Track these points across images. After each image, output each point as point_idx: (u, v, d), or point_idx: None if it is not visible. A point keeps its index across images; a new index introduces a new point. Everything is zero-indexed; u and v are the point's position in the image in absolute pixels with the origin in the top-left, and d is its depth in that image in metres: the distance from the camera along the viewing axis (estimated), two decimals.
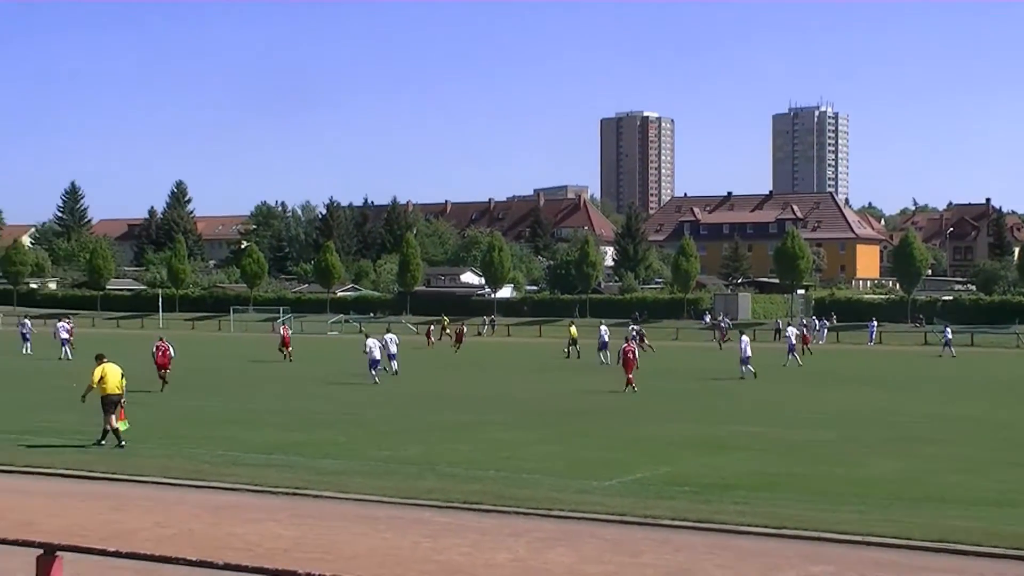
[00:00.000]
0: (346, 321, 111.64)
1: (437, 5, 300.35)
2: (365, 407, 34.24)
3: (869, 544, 15.30)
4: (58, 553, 10.07)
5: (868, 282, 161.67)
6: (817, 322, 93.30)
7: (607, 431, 28.09)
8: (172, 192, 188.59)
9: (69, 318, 65.24)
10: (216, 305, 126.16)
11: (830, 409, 34.67)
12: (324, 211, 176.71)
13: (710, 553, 14.97)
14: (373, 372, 43.81)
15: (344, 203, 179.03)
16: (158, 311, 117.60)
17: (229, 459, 22.43)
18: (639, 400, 36.94)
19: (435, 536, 15.75)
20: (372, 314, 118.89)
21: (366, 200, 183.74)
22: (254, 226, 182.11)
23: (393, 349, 48.19)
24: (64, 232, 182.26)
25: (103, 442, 24.37)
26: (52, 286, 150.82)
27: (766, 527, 16.26)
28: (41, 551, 10.11)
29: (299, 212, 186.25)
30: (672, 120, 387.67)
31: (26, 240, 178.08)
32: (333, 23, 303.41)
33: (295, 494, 18.85)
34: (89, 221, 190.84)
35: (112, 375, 24.87)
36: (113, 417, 24.38)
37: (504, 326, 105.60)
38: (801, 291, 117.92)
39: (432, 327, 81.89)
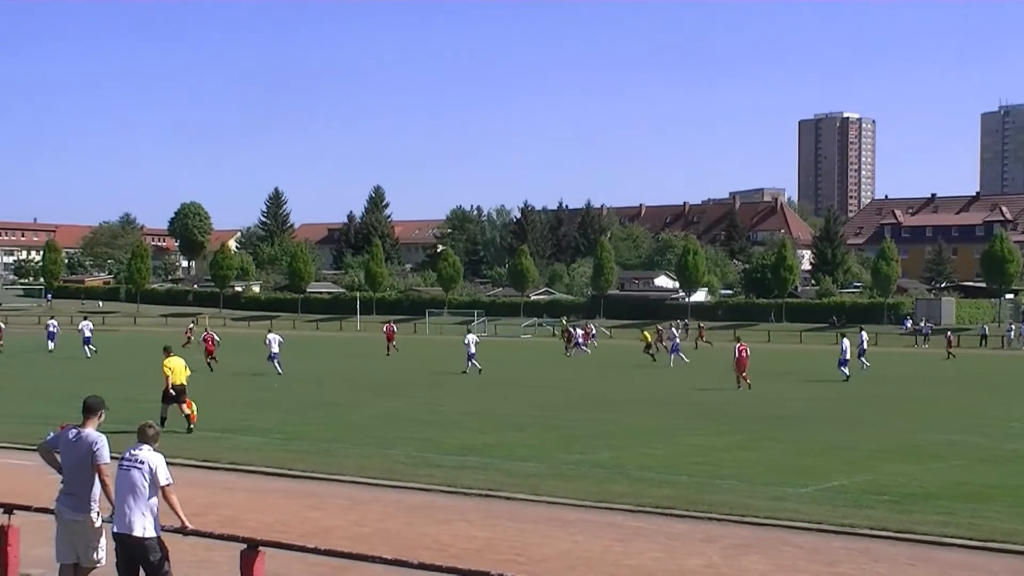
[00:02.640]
0: (539, 325, 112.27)
1: (632, 7, 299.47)
2: (557, 409, 34.35)
3: None
4: (261, 548, 10.40)
5: None
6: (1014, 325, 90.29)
7: (801, 437, 27.56)
8: (370, 197, 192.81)
9: (87, 317, 70.13)
10: (412, 308, 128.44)
11: None
12: (519, 215, 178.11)
13: (911, 564, 14.54)
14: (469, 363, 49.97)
15: (538, 207, 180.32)
16: (356, 314, 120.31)
17: (423, 460, 22.76)
18: (833, 406, 36.15)
19: (626, 540, 15.69)
20: (565, 317, 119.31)
21: (560, 204, 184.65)
22: (450, 230, 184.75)
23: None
24: (267, 237, 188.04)
25: (172, 428, 25.66)
26: (256, 289, 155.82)
27: (971, 539, 15.70)
28: (245, 546, 10.46)
29: (494, 216, 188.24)
30: (873, 120, 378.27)
31: (232, 244, 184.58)
32: (538, 23, 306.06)
33: (487, 495, 19.01)
34: (291, 226, 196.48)
35: (177, 368, 27.55)
36: (182, 405, 26.90)
37: (704, 329, 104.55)
38: (1010, 295, 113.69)
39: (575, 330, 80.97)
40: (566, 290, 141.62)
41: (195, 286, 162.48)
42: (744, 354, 43.12)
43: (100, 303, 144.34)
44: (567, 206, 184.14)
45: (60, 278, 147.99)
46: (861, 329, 59.28)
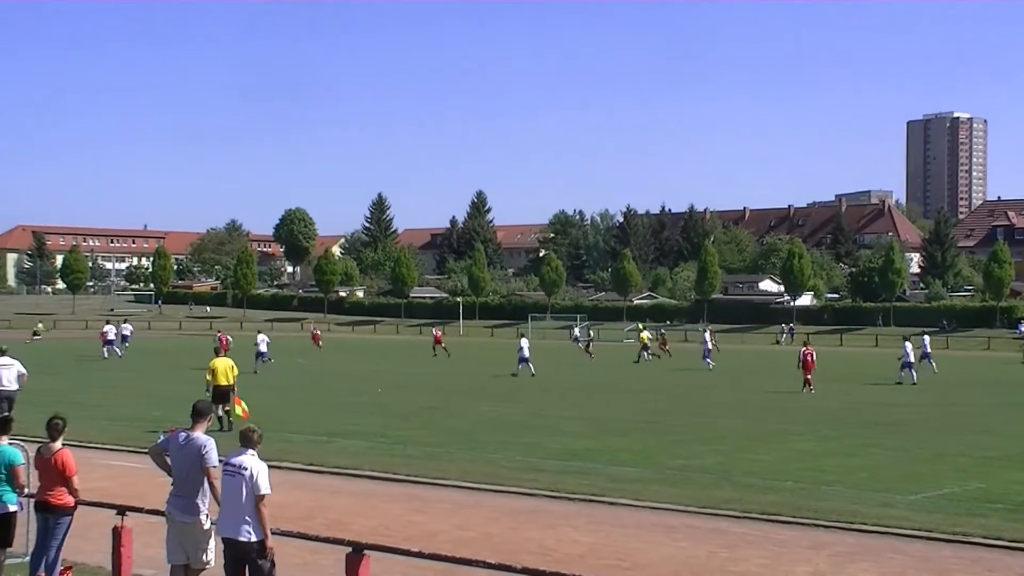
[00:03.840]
0: (642, 329, 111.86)
1: (734, 8, 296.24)
2: (660, 414, 34.20)
3: None
4: (366, 552, 10.50)
5: None
6: None
7: (908, 443, 27.06)
8: (472, 202, 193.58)
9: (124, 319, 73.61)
10: (515, 313, 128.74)
11: None
12: (621, 219, 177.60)
13: None
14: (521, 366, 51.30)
15: (641, 211, 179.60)
16: (459, 318, 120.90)
17: (526, 464, 22.80)
18: (941, 412, 35.51)
19: (732, 547, 15.57)
20: (668, 322, 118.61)
21: (663, 208, 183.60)
22: (552, 235, 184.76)
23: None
24: (371, 242, 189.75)
25: (224, 429, 26.74)
26: (359, 294, 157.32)
27: None
28: (350, 549, 10.57)
29: (597, 220, 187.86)
30: (984, 120, 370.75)
31: (336, 250, 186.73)
32: (644, 24, 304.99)
33: (591, 501, 18.98)
34: (395, 231, 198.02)
35: (222, 368, 28.78)
36: (226, 405, 27.93)
37: (803, 334, 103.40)
38: None
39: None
40: (669, 294, 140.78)
41: (300, 291, 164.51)
42: (810, 358, 44.04)
43: (208, 308, 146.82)
44: (670, 210, 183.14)
45: (169, 284, 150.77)
46: (924, 333, 58.53)
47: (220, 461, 11.13)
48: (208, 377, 28.86)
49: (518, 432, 28.92)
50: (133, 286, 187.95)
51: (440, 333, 76.29)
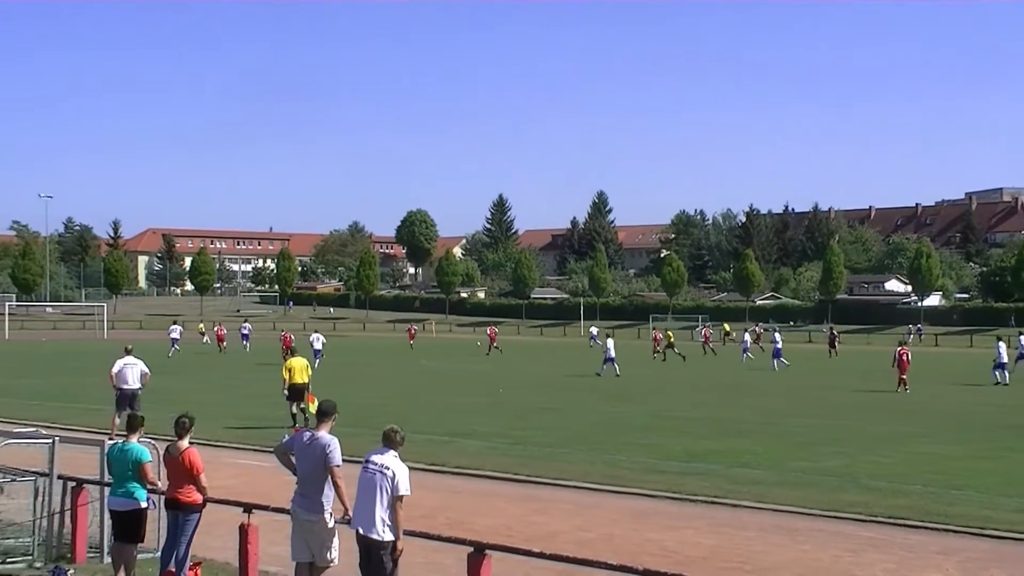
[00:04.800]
0: (765, 330, 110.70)
1: (864, 5, 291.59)
2: (781, 415, 33.80)
3: None
4: (487, 551, 10.56)
5: None
6: None
7: None
8: (594, 203, 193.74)
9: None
10: (636, 313, 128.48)
11: None
12: (744, 219, 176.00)
13: None
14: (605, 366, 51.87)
15: (764, 210, 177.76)
16: (580, 319, 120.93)
17: (647, 466, 22.70)
18: None
19: (857, 551, 15.31)
20: (792, 323, 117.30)
21: (786, 207, 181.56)
22: (673, 235, 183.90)
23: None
24: (492, 243, 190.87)
25: (297, 426, 27.31)
26: (481, 295, 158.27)
27: None
28: (472, 549, 10.64)
29: (719, 220, 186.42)
30: None
31: (457, 251, 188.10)
32: (753, 27, 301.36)
33: (713, 503, 18.84)
34: (515, 232, 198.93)
35: (298, 367, 29.46)
36: (299, 403, 28.68)
37: (931, 335, 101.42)
38: None
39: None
40: (792, 295, 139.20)
41: (422, 292, 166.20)
42: (905, 358, 44.28)
43: (331, 309, 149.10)
44: (793, 209, 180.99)
45: (294, 285, 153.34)
46: (1021, 333, 57.15)
47: (347, 460, 11.26)
48: (285, 376, 29.73)
49: (638, 433, 28.80)
50: (258, 287, 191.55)
51: (495, 332, 77.60)
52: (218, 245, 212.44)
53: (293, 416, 28.95)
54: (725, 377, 52.64)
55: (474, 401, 38.13)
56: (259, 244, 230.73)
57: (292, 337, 60.51)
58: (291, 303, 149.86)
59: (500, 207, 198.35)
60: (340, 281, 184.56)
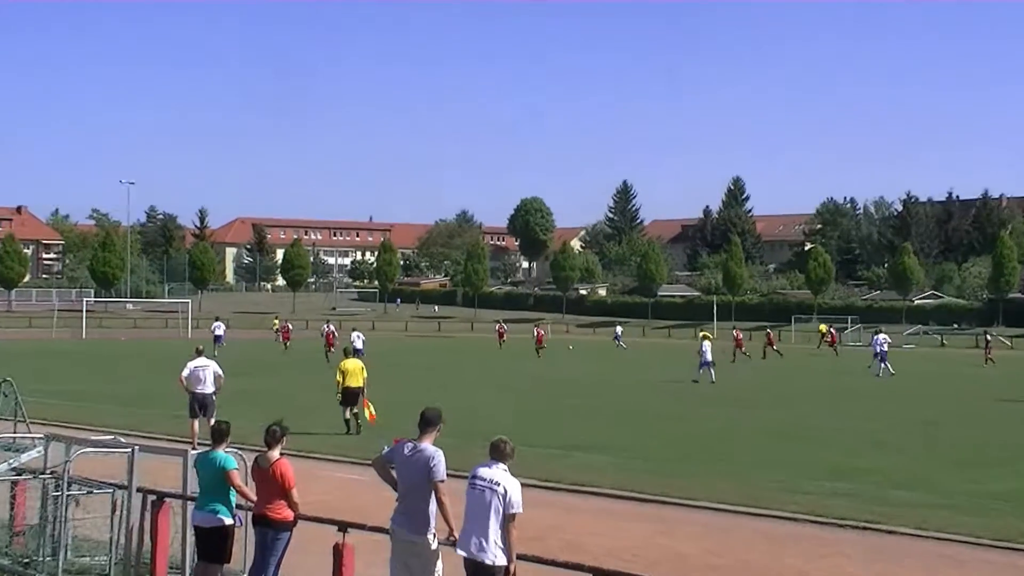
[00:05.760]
0: (925, 333, 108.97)
1: None
2: (940, 426, 33.29)
3: None
4: None
5: None
6: None
7: None
8: (728, 190, 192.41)
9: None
10: (775, 313, 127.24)
11: None
12: (900, 208, 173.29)
13: None
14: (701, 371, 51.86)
15: (923, 198, 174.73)
16: (712, 319, 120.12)
17: (786, 484, 22.45)
18: None
19: None
20: (955, 325, 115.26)
21: (950, 194, 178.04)
22: (819, 225, 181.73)
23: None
24: (615, 235, 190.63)
25: (351, 432, 29.70)
26: (602, 292, 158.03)
27: None
28: (590, 575, 10.62)
29: (871, 209, 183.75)
30: None
31: (576, 244, 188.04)
32: (913, 6, 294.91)
33: (864, 528, 18.59)
34: (641, 222, 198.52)
35: (352, 370, 30.35)
36: (355, 407, 30.02)
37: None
38: None
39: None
40: (956, 293, 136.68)
41: (536, 289, 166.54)
42: None
43: (436, 307, 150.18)
44: (957, 197, 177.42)
45: (396, 280, 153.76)
46: None
47: (450, 474, 11.31)
48: (338, 378, 30.36)
49: (771, 445, 28.59)
50: (356, 283, 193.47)
51: (542, 332, 77.71)
52: (313, 236, 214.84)
53: (346, 422, 30.02)
54: (851, 383, 51.87)
55: (591, 407, 38.09)
56: (357, 235, 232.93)
57: (336, 333, 62.51)
58: (400, 300, 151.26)
59: (624, 195, 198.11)
60: (446, 276, 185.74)
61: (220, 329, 70.85)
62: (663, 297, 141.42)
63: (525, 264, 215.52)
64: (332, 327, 70.79)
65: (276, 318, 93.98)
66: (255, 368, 54.98)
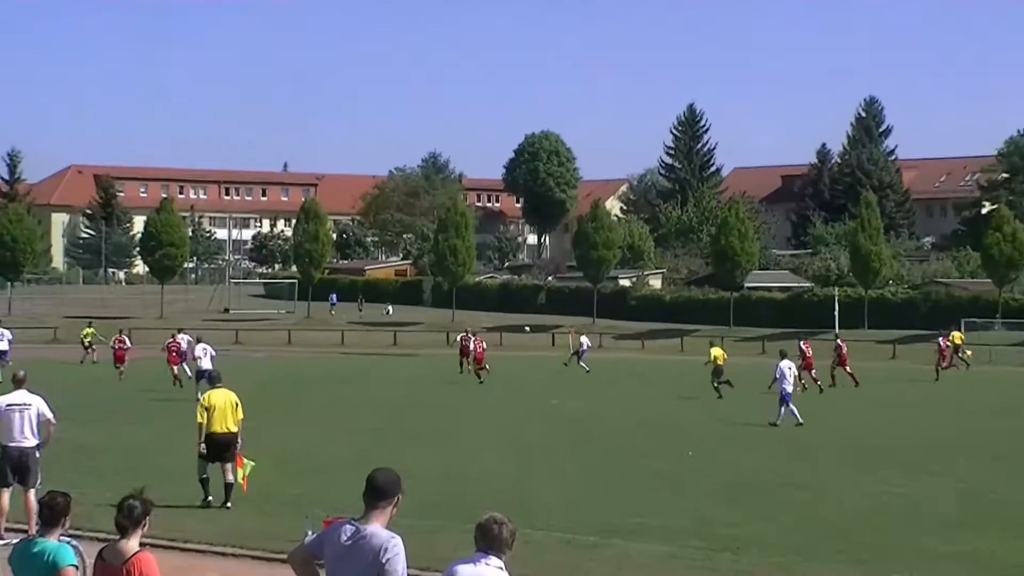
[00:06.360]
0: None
1: None
2: None
3: None
4: None
5: None
6: None
7: None
8: (858, 117, 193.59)
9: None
10: (934, 315, 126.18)
11: None
12: None
13: None
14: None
15: None
16: (832, 324, 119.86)
17: None
18: None
19: None
20: (955, 329, 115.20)
21: None
22: (1004, 175, 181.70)
23: None
24: (675, 191, 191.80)
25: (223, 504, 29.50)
26: (654, 283, 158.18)
27: None
28: None
29: None
30: None
31: (613, 206, 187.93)
32: None
33: None
34: (717, 171, 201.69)
35: (219, 405, 30.02)
36: (224, 465, 29.83)
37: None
38: None
39: None
40: None
41: (550, 279, 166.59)
42: None
43: (389, 308, 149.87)
44: None
45: (326, 265, 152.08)
46: None
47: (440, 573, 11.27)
48: (200, 418, 29.65)
49: (940, 527, 28.53)
50: (263, 269, 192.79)
51: (482, 348, 79.06)
52: (193, 195, 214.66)
53: (203, 483, 29.62)
54: None
55: (643, 468, 38.01)
56: (264, 194, 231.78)
57: (186, 342, 62.87)
58: (333, 297, 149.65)
59: (690, 127, 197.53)
60: (406, 259, 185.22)
61: (3, 340, 70.94)
62: (753, 290, 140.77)
63: (532, 239, 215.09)
64: (187, 338, 70.39)
65: (89, 326, 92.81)
66: (87, 407, 54.69)
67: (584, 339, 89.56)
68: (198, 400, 30.91)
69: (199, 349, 62.43)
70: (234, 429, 29.71)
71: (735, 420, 53.69)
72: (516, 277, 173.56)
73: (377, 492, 11.57)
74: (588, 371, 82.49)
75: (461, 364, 79.29)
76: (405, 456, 34.89)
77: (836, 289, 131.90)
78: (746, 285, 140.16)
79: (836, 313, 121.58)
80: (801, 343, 74.28)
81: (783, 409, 52.02)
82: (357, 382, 74.11)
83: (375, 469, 11.77)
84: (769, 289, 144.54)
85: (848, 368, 74.92)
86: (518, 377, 77.43)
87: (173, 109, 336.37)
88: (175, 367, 66.88)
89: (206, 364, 59.05)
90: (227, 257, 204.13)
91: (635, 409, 59.46)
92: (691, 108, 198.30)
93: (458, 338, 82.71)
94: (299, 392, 65.38)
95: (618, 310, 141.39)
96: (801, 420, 51.15)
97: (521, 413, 55.92)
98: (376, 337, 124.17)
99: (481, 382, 73.29)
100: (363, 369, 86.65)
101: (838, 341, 78.62)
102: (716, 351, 70.73)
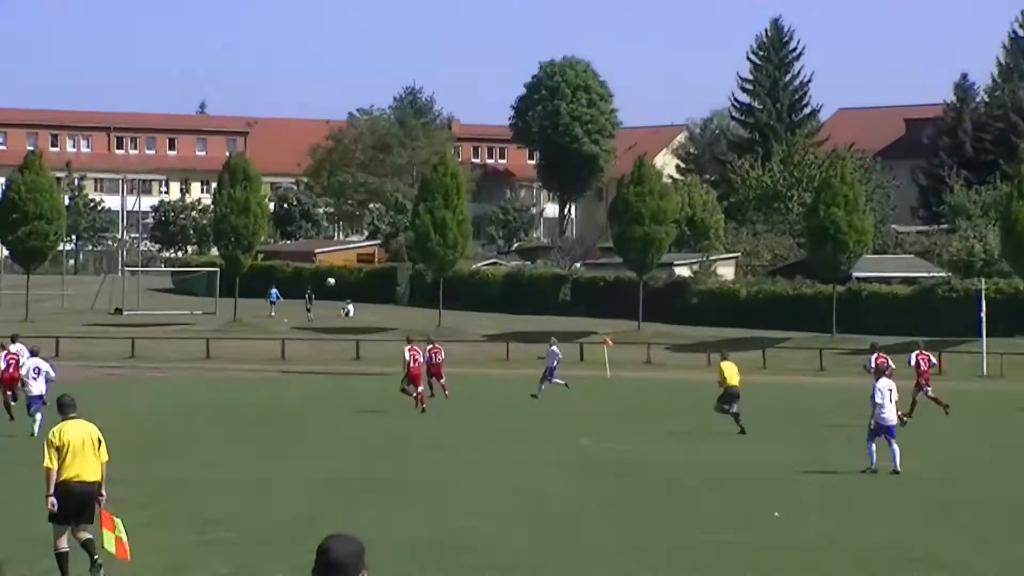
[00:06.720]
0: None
1: None
2: None
3: None
4: None
5: None
6: None
7: None
8: (1012, 38, 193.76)
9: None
10: None
11: None
12: None
13: None
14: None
15: None
16: (980, 330, 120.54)
17: None
18: None
19: None
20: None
21: None
22: None
23: None
24: (754, 141, 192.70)
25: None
26: (724, 272, 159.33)
27: None
28: None
29: None
30: None
31: (665, 163, 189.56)
32: None
33: None
34: (813, 112, 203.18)
35: (75, 444, 30.45)
36: (85, 527, 30.31)
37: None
38: None
39: None
40: None
41: (576, 265, 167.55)
42: None
43: (349, 306, 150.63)
44: None
45: (256, 249, 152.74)
46: None
47: None
48: (48, 462, 29.76)
49: None
50: (169, 253, 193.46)
51: (440, 357, 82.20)
52: (72, 148, 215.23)
53: (60, 559, 29.74)
54: None
55: (696, 540, 37.98)
56: (172, 147, 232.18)
57: (26, 354, 63.26)
58: (275, 294, 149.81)
59: (775, 50, 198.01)
60: (374, 238, 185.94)
61: (40, 379, 68.72)
62: (865, 282, 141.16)
63: (551, 209, 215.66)
64: (21, 347, 70.38)
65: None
66: None
67: (555, 347, 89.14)
68: (35, 435, 31.08)
69: (29, 366, 61.90)
70: (96, 477, 29.60)
71: (829, 465, 53.89)
72: (529, 264, 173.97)
73: (332, 569, 11.44)
74: (568, 386, 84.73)
75: (431, 386, 79.10)
76: (372, 519, 34.90)
77: (982, 281, 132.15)
78: (855, 275, 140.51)
79: (983, 314, 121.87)
80: (914, 354, 74.45)
81: (874, 444, 52.21)
82: (305, 413, 74.37)
83: (328, 537, 11.61)
84: (888, 281, 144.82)
85: (930, 389, 75.25)
86: (532, 407, 77.52)
87: (43, 30, 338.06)
88: (10, 389, 66.45)
89: (37, 388, 59.73)
90: (120, 235, 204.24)
91: (697, 453, 59.60)
92: (775, 24, 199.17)
93: (427, 349, 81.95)
94: (221, 428, 65.61)
95: (673, 311, 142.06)
96: (899, 468, 51.28)
97: (537, 458, 55.99)
98: (331, 349, 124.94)
99: (422, 411, 73.58)
100: (312, 394, 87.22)
101: (919, 351, 78.27)
102: (727, 367, 70.15)
